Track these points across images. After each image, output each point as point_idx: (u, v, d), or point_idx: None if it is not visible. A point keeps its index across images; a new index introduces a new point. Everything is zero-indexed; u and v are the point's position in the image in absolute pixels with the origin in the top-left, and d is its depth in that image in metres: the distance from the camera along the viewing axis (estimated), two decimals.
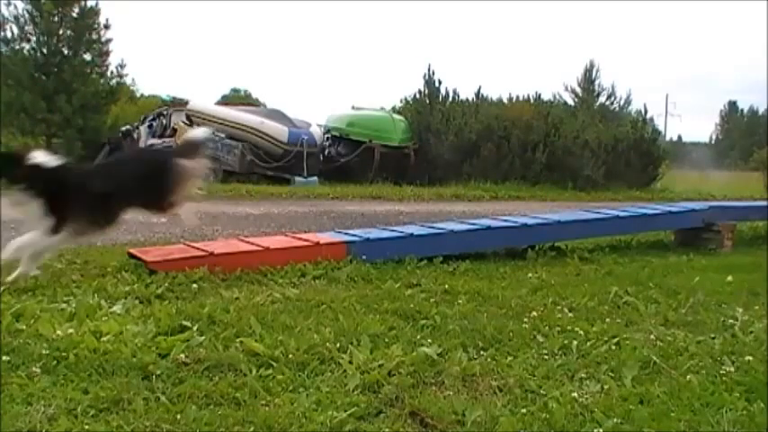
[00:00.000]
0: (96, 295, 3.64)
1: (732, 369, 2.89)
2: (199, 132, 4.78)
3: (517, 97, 17.32)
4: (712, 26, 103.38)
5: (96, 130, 17.59)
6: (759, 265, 5.53)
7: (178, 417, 2.24)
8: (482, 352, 3.05)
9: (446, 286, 4.25)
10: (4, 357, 2.64)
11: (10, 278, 3.84)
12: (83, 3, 17.95)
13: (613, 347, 3.14)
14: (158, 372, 2.59)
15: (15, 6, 18.00)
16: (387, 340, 3.10)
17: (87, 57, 18.15)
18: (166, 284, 3.92)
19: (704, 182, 19.99)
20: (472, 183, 13.72)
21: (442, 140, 14.72)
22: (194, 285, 3.98)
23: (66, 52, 17.77)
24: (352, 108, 16.08)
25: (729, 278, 4.88)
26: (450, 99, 16.35)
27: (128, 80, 19.85)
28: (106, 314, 3.28)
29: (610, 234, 6.57)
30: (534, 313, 3.69)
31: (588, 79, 27.32)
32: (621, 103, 26.21)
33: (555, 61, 73.98)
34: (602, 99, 26.71)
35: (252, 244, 4.84)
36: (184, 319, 3.20)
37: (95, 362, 2.63)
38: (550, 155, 14.37)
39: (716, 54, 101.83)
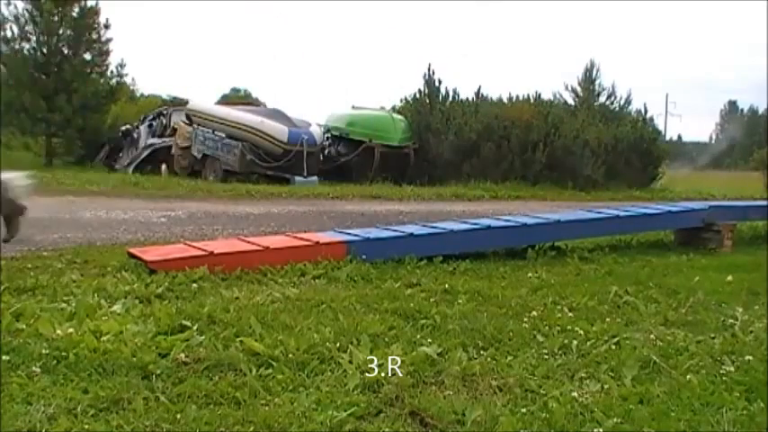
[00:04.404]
0: (96, 295, 3.64)
1: (732, 369, 2.90)
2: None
3: (517, 97, 17.23)
4: (712, 26, 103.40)
5: (96, 129, 17.62)
6: (759, 265, 5.53)
7: (178, 416, 2.25)
8: (482, 352, 3.05)
9: (446, 286, 4.25)
10: (4, 357, 2.64)
11: None
12: (83, 2, 17.98)
13: (613, 347, 3.15)
14: (158, 371, 2.59)
15: (15, 6, 18.05)
16: (387, 340, 3.10)
17: (87, 56, 18.19)
18: (166, 284, 3.92)
19: (704, 181, 19.98)
20: (472, 183, 13.69)
21: (441, 140, 14.71)
22: (194, 285, 3.98)
23: (66, 52, 17.80)
24: (353, 108, 16.07)
25: (729, 278, 4.88)
26: (450, 99, 16.31)
27: (128, 80, 19.93)
28: (106, 314, 3.28)
29: (610, 234, 6.57)
30: (534, 313, 3.69)
31: (588, 79, 27.29)
32: (621, 102, 26.17)
33: (555, 61, 73.99)
34: (602, 99, 26.68)
35: (252, 244, 4.84)
36: (184, 319, 3.20)
37: (95, 361, 2.63)
38: (550, 155, 14.35)
39: (716, 54, 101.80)
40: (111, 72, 18.77)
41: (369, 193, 11.57)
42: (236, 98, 30.54)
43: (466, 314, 3.61)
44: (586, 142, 14.76)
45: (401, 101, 17.38)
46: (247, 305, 3.57)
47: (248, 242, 4.94)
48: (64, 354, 2.68)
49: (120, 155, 16.51)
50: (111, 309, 3.38)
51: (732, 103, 63.19)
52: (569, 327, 3.45)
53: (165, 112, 16.56)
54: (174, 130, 15.07)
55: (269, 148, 12.93)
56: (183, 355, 2.75)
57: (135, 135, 16.41)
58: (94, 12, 18.09)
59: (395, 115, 15.43)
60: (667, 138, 35.03)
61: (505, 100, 17.25)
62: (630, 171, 15.40)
